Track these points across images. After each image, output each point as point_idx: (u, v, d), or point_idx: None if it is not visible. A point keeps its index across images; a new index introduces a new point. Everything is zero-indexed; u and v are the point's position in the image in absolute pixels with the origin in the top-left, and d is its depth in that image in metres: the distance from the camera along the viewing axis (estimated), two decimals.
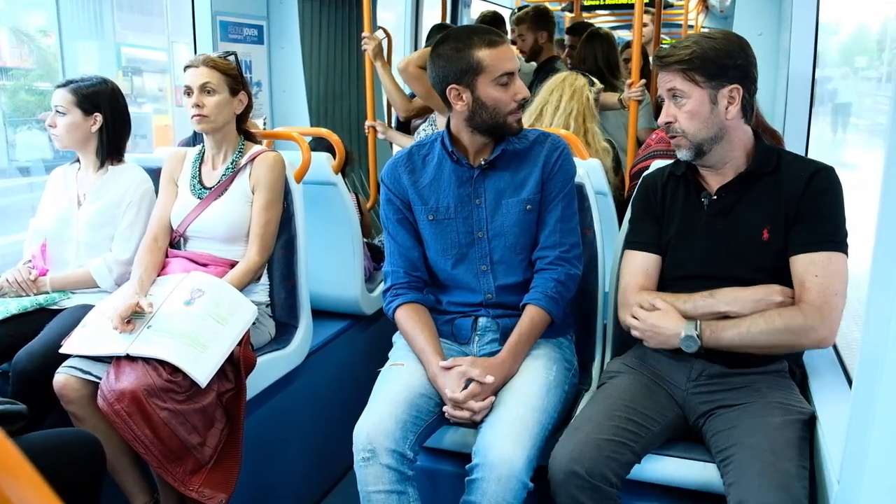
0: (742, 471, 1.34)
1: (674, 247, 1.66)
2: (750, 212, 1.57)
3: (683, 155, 1.60)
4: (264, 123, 2.84)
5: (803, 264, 1.50)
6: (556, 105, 2.64)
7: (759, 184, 1.58)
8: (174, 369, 1.70)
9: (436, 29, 3.84)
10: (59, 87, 2.13)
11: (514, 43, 3.83)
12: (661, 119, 1.59)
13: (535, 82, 3.36)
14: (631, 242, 1.74)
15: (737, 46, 1.54)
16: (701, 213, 1.62)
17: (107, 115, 2.15)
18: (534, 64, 3.82)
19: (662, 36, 5.22)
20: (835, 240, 1.49)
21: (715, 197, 1.61)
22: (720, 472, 1.43)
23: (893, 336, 1.03)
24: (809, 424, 1.48)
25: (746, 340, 1.48)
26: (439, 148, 1.78)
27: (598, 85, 2.79)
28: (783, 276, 1.54)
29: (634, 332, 1.61)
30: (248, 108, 2.16)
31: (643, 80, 3.07)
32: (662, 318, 1.55)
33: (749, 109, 1.58)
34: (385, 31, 3.85)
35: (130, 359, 1.71)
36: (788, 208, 1.53)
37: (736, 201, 1.59)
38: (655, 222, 1.70)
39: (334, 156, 2.53)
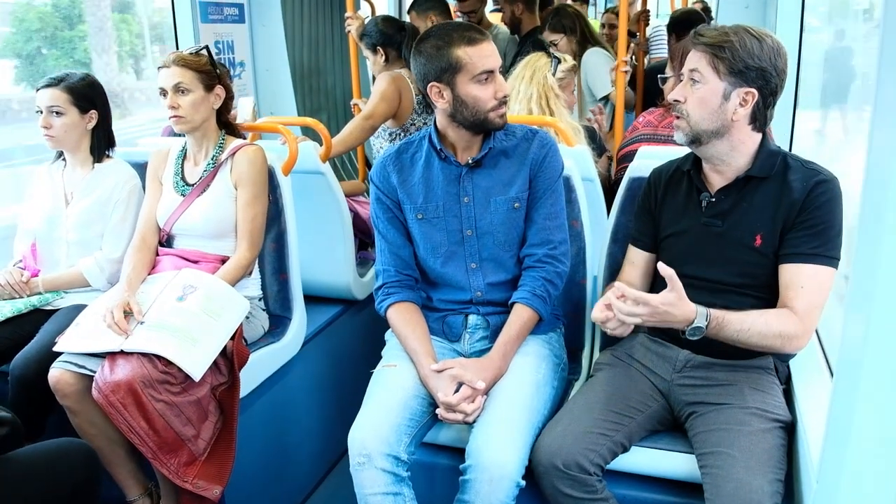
0: (718, 490, 1.38)
1: (669, 245, 1.67)
2: (746, 216, 1.56)
3: (680, 138, 1.58)
4: (254, 107, 2.77)
5: (791, 274, 1.51)
6: (518, 91, 2.51)
7: (759, 188, 1.56)
8: (168, 362, 1.73)
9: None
10: (47, 86, 2.07)
11: (500, 11, 3.79)
12: (672, 96, 1.57)
13: (518, 55, 3.31)
14: (631, 236, 1.78)
15: (771, 53, 1.49)
16: (699, 214, 1.62)
17: (100, 110, 2.14)
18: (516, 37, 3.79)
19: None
20: (824, 254, 1.49)
21: (713, 199, 1.60)
22: (701, 477, 1.47)
23: (873, 331, 1.05)
24: (788, 429, 1.52)
25: (742, 338, 1.48)
26: (427, 146, 1.78)
27: (569, 62, 2.68)
28: (770, 284, 1.55)
29: (629, 317, 1.45)
30: (229, 99, 2.13)
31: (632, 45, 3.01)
32: (678, 304, 1.43)
33: (761, 119, 1.54)
34: (370, 4, 3.78)
35: (125, 352, 1.73)
36: (787, 216, 1.51)
37: (734, 205, 1.58)
38: (651, 220, 1.72)
39: (321, 143, 2.51)
